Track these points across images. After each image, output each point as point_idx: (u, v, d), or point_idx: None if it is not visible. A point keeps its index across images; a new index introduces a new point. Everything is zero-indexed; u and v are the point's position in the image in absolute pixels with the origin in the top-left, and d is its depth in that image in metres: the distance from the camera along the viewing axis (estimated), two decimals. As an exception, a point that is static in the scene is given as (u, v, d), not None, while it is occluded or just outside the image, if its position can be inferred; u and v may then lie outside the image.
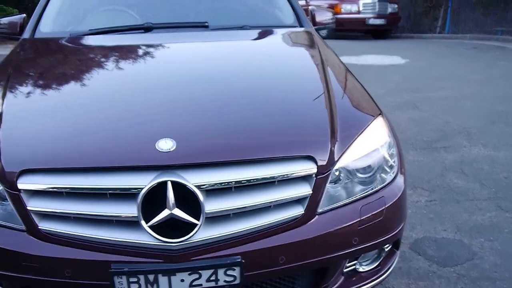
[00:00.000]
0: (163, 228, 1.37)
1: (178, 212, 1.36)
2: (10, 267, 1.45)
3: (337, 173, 1.57)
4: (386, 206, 1.62)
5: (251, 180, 1.44)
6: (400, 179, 1.73)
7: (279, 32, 2.58)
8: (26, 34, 2.56)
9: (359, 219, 1.56)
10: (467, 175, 3.38)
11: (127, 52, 2.33)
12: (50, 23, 2.62)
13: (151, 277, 1.38)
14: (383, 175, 1.67)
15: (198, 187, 1.37)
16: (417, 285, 2.19)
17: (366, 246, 1.61)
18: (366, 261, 1.75)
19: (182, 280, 1.41)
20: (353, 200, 1.60)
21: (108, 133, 1.56)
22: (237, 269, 1.42)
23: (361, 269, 1.73)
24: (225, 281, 1.43)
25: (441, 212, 2.85)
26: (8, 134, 1.58)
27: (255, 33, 2.56)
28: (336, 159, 1.56)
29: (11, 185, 1.41)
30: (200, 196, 1.37)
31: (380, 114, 1.81)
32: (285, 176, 1.47)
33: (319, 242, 1.52)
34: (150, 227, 1.36)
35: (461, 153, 3.82)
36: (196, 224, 1.37)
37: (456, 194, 3.09)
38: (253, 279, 1.51)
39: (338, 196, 1.58)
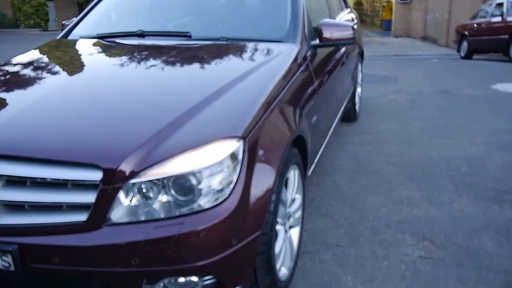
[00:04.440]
0: None
1: None
2: None
3: (139, 187, 1.55)
4: (179, 233, 1.52)
5: (34, 178, 1.54)
6: (222, 211, 1.58)
7: (244, 46, 2.53)
8: (59, 36, 3.04)
9: (141, 240, 1.50)
10: (508, 240, 2.70)
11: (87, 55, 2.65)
12: (84, 27, 3.04)
13: None
14: (200, 201, 1.57)
15: None
16: None
17: (149, 270, 1.54)
18: None
19: None
20: (148, 219, 1.54)
21: None
22: (10, 256, 1.52)
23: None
24: (2, 265, 1.55)
25: (425, 274, 2.37)
26: None
27: (218, 45, 2.57)
28: (135, 172, 1.53)
29: None
30: None
31: (233, 137, 1.67)
32: (66, 180, 1.53)
33: (95, 253, 1.52)
34: None
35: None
36: None
37: (468, 257, 2.50)
38: (32, 272, 1.57)
39: (147, 212, 1.55)
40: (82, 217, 1.53)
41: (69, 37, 2.99)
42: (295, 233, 2.32)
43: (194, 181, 1.57)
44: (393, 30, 20.46)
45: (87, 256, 1.53)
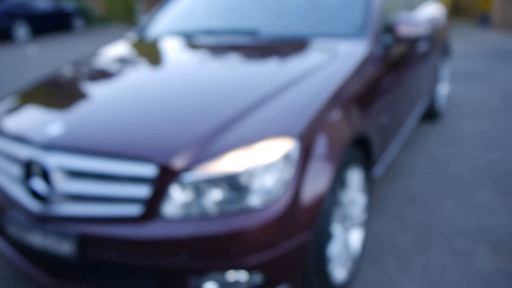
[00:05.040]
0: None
1: (37, 184, 1.71)
2: None
3: (191, 183, 1.59)
4: (228, 230, 1.55)
5: (94, 171, 1.65)
6: (272, 211, 1.58)
7: (311, 43, 2.50)
8: (133, 34, 3.21)
9: (190, 235, 1.55)
10: None
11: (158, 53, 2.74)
12: (157, 25, 3.19)
13: (21, 228, 1.77)
14: (250, 199, 1.59)
15: (57, 167, 1.69)
16: None
17: (197, 264, 1.59)
18: (222, 283, 1.67)
19: (38, 239, 1.73)
20: (199, 215, 1.59)
21: (35, 117, 2.01)
22: (72, 244, 1.65)
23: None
24: (64, 251, 1.68)
25: (497, 288, 2.19)
26: None
27: (284, 42, 2.55)
28: (188, 168, 1.58)
29: None
30: (54, 174, 1.68)
31: (287, 136, 1.67)
32: (123, 174, 1.61)
33: (147, 245, 1.60)
34: (28, 190, 1.75)
35: None
36: (49, 197, 1.69)
37: (552, 275, 2.27)
38: (90, 259, 1.68)
39: (197, 208, 1.60)
40: (136, 210, 1.61)
41: (143, 35, 3.15)
42: (356, 235, 2.25)
43: (245, 179, 1.59)
44: (492, 23, 19.01)
45: (138, 247, 1.60)
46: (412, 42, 2.67)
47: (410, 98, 3.28)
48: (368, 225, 2.66)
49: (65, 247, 1.67)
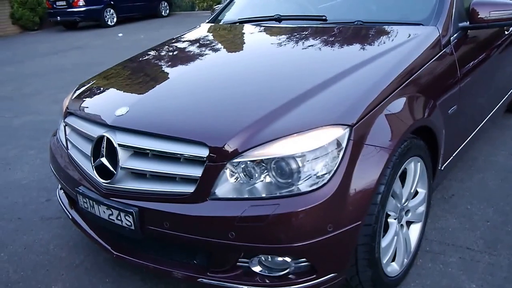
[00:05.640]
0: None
1: (104, 160, 1.85)
2: None
3: (243, 166, 1.64)
4: (273, 213, 1.57)
5: (154, 151, 1.76)
6: (319, 196, 1.59)
7: (378, 30, 2.43)
8: (207, 21, 3.32)
9: (238, 216, 1.60)
10: None
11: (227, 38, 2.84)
12: (230, 12, 3.29)
13: (90, 201, 1.92)
14: (299, 184, 1.61)
15: (121, 145, 1.81)
16: None
17: (244, 245, 1.63)
18: (269, 267, 1.72)
19: (104, 212, 1.87)
20: (247, 197, 1.64)
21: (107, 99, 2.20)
22: (131, 217, 1.77)
23: (255, 270, 1.72)
24: (126, 224, 1.81)
25: None
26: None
27: (350, 29, 2.51)
28: (239, 151, 1.63)
29: None
30: (119, 152, 1.81)
31: (339, 125, 1.66)
32: (179, 154, 1.70)
33: (199, 223, 1.68)
34: (96, 166, 1.90)
35: None
36: (114, 173, 1.82)
37: None
38: (148, 233, 1.78)
39: (248, 190, 1.65)
40: (190, 188, 1.68)
41: (216, 22, 3.25)
42: (414, 229, 2.19)
43: (294, 165, 1.61)
44: None
45: (191, 224, 1.69)
46: (495, 26, 2.47)
47: (492, 89, 3.05)
48: (431, 220, 2.56)
49: (126, 221, 1.80)
